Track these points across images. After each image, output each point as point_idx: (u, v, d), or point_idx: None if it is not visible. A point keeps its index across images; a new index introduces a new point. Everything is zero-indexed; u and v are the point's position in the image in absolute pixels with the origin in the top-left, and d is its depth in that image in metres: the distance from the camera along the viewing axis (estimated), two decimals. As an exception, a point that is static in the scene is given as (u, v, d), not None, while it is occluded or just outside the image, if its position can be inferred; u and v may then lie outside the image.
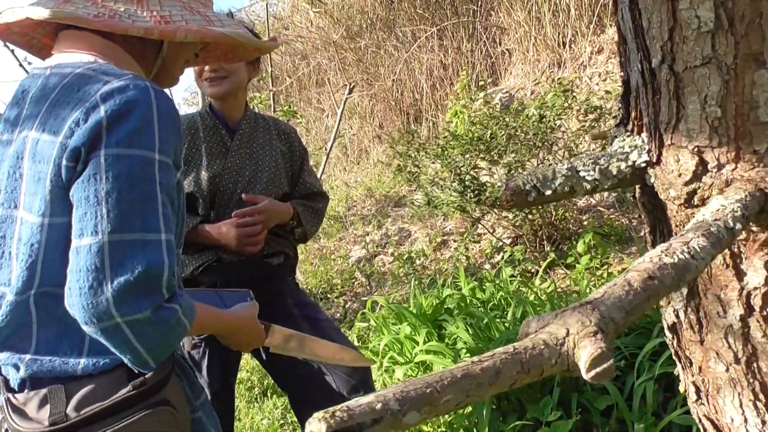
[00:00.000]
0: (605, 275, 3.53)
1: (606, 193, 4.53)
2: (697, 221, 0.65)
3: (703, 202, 0.78)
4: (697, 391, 1.00)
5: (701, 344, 0.93)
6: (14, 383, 0.93)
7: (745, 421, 0.95)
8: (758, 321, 0.85)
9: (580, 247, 3.75)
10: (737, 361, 0.90)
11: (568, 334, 0.48)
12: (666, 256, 0.56)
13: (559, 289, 3.79)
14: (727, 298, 0.86)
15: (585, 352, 0.46)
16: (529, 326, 0.53)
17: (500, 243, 4.36)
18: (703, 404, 1.00)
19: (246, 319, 1.20)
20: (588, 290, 3.35)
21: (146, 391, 0.91)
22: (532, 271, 4.12)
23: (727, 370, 0.92)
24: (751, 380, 0.91)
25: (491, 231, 4.43)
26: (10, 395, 0.92)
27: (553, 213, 4.16)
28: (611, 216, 4.30)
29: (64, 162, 0.87)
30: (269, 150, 1.94)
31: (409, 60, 6.46)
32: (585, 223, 4.34)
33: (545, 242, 4.18)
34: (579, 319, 0.48)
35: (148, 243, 0.85)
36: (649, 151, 0.83)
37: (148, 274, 0.83)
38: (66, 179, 0.87)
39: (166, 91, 1.07)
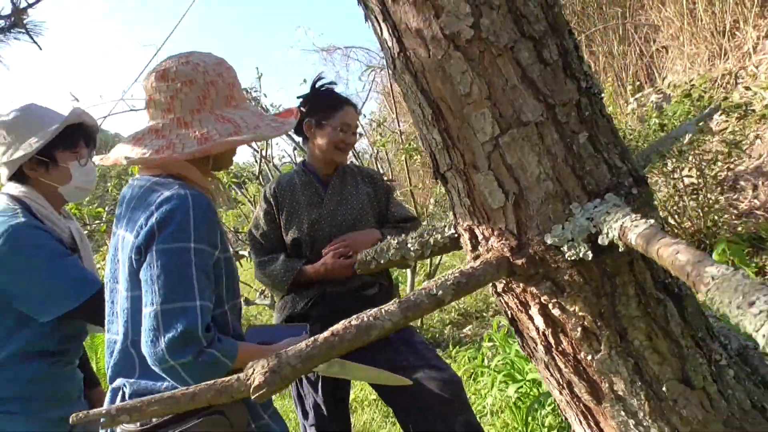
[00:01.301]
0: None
1: (767, 195, 4.16)
2: (417, 289, 0.93)
3: (486, 265, 1.03)
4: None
5: (542, 374, 1.14)
6: (126, 397, 1.31)
7: (586, 437, 1.13)
8: (558, 355, 1.05)
9: (715, 255, 3.55)
10: (562, 387, 1.10)
11: (254, 371, 0.82)
12: (355, 320, 0.87)
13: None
14: (533, 337, 1.08)
15: (254, 381, 0.81)
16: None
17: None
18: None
19: None
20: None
21: (211, 409, 1.25)
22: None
23: (561, 393, 1.12)
24: (577, 403, 1.10)
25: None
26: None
27: (703, 222, 3.96)
28: (769, 220, 3.95)
29: (133, 256, 1.26)
30: (356, 195, 2.33)
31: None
32: (739, 228, 4.04)
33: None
34: (264, 362, 0.83)
35: (186, 309, 1.19)
36: (454, 226, 1.09)
37: (186, 331, 1.17)
38: (136, 267, 1.26)
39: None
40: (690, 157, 3.68)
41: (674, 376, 1.02)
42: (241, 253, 4.65)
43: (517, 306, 1.06)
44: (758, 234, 3.75)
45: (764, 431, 1.02)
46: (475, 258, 1.04)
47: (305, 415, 2.32)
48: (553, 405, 2.92)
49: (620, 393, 1.03)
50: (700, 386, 1.03)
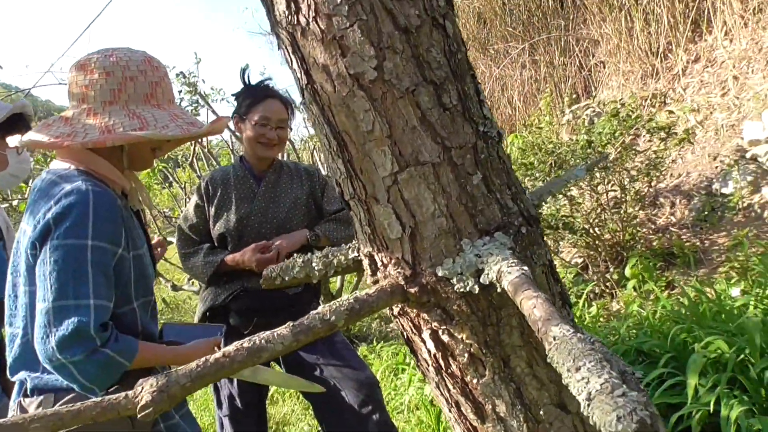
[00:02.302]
0: (656, 298, 3.51)
1: (683, 213, 4.41)
2: (311, 313, 0.97)
3: (384, 289, 1.08)
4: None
5: (434, 392, 1.21)
6: (28, 390, 1.33)
7: (471, 454, 1.21)
8: (447, 377, 1.12)
9: (628, 268, 3.75)
10: (451, 406, 1.17)
11: (143, 390, 0.85)
12: (247, 342, 0.90)
13: (610, 312, 3.83)
14: (425, 358, 1.14)
15: (142, 399, 0.83)
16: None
17: (568, 265, 4.44)
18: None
19: (190, 355, 1.41)
20: (635, 314, 3.37)
21: None
22: (596, 292, 4.18)
23: (450, 411, 1.19)
24: (463, 421, 1.17)
25: (555, 252, 4.52)
26: (21, 398, 1.33)
27: (622, 235, 4.16)
28: (682, 237, 4.19)
29: (29, 250, 1.27)
30: (290, 192, 2.32)
31: (501, 77, 6.62)
32: (654, 243, 4.27)
33: (609, 264, 4.20)
34: (153, 381, 0.85)
35: (79, 307, 1.20)
36: (357, 250, 1.14)
37: (78, 330, 1.17)
38: (32, 261, 1.26)
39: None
40: (615, 173, 3.87)
41: (551, 401, 1.10)
42: (169, 239, 4.57)
43: (411, 329, 1.11)
44: (671, 249, 3.98)
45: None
46: (374, 282, 1.09)
47: (219, 405, 2.33)
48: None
49: (502, 414, 1.10)
50: (574, 411, 1.11)
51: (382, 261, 1.06)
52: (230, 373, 0.89)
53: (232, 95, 2.37)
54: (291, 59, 0.98)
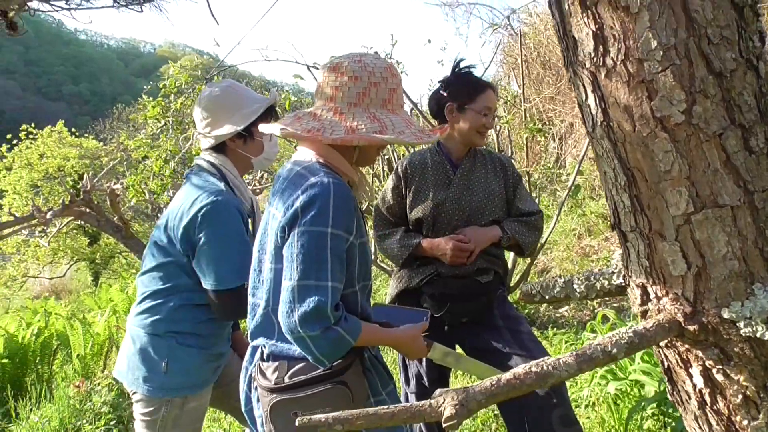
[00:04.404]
0: None
1: None
2: (591, 343, 1.01)
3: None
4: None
5: (687, 422, 1.20)
6: (264, 355, 1.50)
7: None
8: (711, 413, 1.11)
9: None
10: (708, 439, 1.16)
11: (444, 401, 0.95)
12: (535, 367, 0.97)
13: None
14: (687, 391, 1.14)
15: (446, 413, 0.94)
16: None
17: None
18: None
19: (404, 338, 1.57)
20: None
21: (332, 374, 1.40)
22: None
23: (705, 444, 1.18)
24: (720, 456, 1.15)
25: None
26: (260, 362, 1.51)
27: None
28: None
29: (279, 233, 1.41)
30: (484, 182, 2.35)
31: None
32: None
33: None
34: (454, 395, 0.95)
35: (319, 287, 1.32)
36: (624, 278, 1.16)
37: (317, 308, 1.30)
38: (281, 243, 1.41)
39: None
40: None
41: (829, 452, 1.05)
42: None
43: (677, 361, 1.12)
44: None
45: None
46: (643, 313, 1.11)
47: (407, 382, 2.47)
48: (654, 410, 2.92)
49: (769, 458, 1.07)
50: None
51: (656, 294, 1.07)
52: (518, 394, 0.96)
53: (439, 83, 2.40)
54: (586, 95, 1.01)
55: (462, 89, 2.32)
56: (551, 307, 5.29)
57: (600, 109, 0.99)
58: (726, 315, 0.99)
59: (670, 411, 2.75)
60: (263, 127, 1.60)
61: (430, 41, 6.06)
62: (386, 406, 0.96)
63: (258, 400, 1.51)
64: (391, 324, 1.61)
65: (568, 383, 3.65)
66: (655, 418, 2.92)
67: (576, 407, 3.41)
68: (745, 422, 1.07)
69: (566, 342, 4.28)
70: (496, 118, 2.35)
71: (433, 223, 2.32)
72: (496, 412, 3.34)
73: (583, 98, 1.02)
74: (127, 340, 1.97)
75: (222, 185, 1.91)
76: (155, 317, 1.89)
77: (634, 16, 0.91)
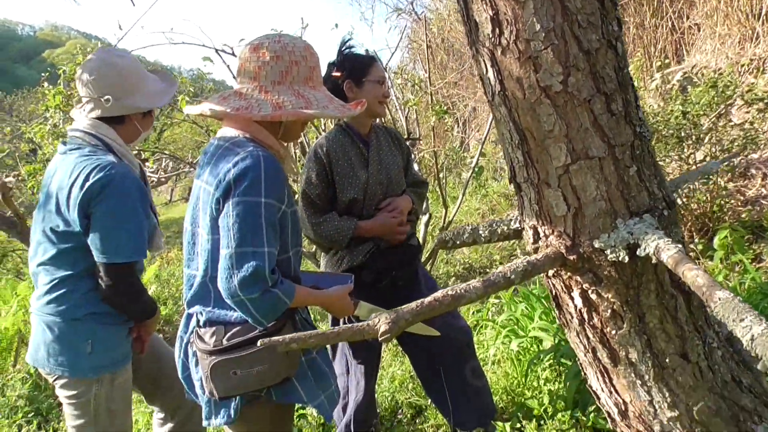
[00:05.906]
0: (744, 270, 3.61)
1: (774, 184, 4.42)
2: (494, 271, 1.24)
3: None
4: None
5: (572, 339, 1.48)
6: (201, 322, 1.57)
7: (601, 390, 1.48)
8: (588, 327, 1.38)
9: (716, 242, 3.84)
10: (587, 351, 1.43)
11: (379, 321, 1.15)
12: (451, 290, 1.19)
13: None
14: (570, 312, 1.40)
15: (380, 328, 1.13)
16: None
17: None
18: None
19: (333, 298, 1.67)
20: (725, 285, 3.50)
21: (267, 335, 1.43)
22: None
23: (585, 356, 1.46)
24: (597, 364, 1.43)
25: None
26: (197, 328, 1.57)
27: (709, 206, 4.22)
28: (773, 209, 4.23)
29: (213, 205, 1.46)
30: (391, 155, 2.49)
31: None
32: (743, 215, 4.33)
33: (695, 234, 4.29)
34: (386, 316, 1.15)
35: (256, 253, 1.39)
36: (520, 222, 1.40)
37: (255, 271, 1.37)
38: (216, 214, 1.47)
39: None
40: (707, 143, 3.93)
41: (676, 352, 1.35)
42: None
43: (562, 288, 1.38)
44: (760, 222, 4.04)
45: (737, 398, 1.36)
46: (535, 249, 1.35)
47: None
48: (551, 360, 3.27)
49: (633, 360, 1.36)
50: (694, 361, 1.36)
51: (544, 233, 1.32)
52: (439, 312, 1.18)
53: (331, 63, 2.47)
54: (487, 69, 1.22)
55: (355, 66, 2.40)
56: (459, 281, 5.64)
57: (498, 81, 1.21)
58: (597, 245, 1.24)
59: (563, 360, 3.06)
60: (190, 108, 1.68)
61: (337, 26, 6.19)
62: (333, 328, 1.14)
63: (197, 364, 1.58)
64: (319, 287, 1.72)
65: (476, 344, 3.97)
66: (552, 368, 3.26)
67: (484, 365, 3.72)
68: (614, 332, 1.34)
69: (475, 310, 4.60)
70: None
71: (364, 201, 2.41)
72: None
73: (484, 72, 1.24)
74: (38, 328, 1.94)
75: (111, 157, 1.87)
76: (71, 302, 1.87)
77: (522, 4, 1.13)
